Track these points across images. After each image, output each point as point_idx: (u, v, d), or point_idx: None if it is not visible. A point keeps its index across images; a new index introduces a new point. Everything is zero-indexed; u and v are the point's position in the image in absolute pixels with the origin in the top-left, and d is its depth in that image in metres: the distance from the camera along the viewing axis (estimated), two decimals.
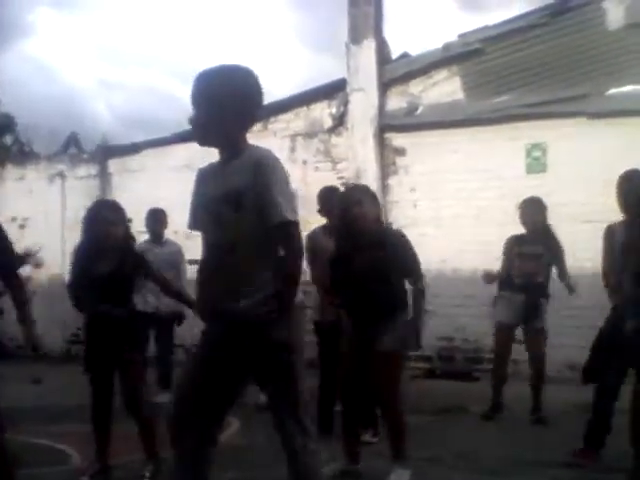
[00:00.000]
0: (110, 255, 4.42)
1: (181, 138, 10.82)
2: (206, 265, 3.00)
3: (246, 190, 2.82)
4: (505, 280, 6.23)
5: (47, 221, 11.54)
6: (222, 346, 2.87)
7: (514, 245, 6.25)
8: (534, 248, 6.13)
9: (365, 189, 4.77)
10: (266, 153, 2.95)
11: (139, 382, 4.47)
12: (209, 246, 2.99)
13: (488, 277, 6.20)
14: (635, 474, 4.14)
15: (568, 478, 4.31)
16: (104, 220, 4.42)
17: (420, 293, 4.41)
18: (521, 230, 6.29)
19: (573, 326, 6.62)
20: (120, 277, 4.42)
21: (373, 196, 4.61)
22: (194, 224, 3.08)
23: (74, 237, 11.52)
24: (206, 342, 2.98)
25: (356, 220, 4.36)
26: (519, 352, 6.52)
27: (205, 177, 3.07)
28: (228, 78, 2.95)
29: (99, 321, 4.44)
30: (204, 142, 3.02)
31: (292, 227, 2.83)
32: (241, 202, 2.83)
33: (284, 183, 2.84)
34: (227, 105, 2.89)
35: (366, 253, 4.30)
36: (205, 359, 2.95)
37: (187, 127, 10.88)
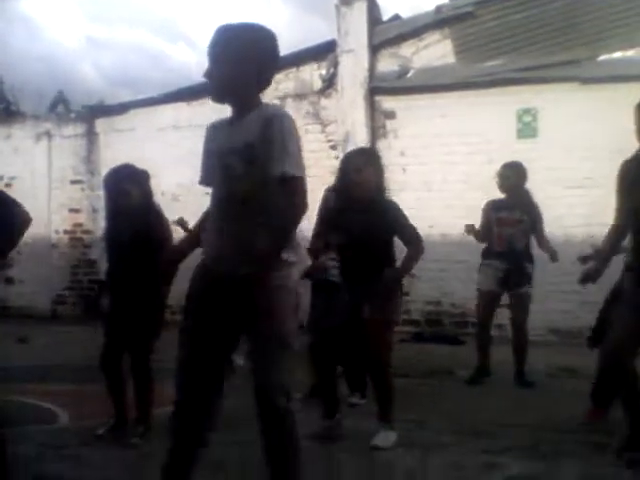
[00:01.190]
0: (130, 221, 4.42)
1: (169, 98, 10.74)
2: (215, 218, 2.98)
3: (256, 144, 2.80)
4: (486, 248, 6.24)
5: (33, 180, 11.46)
6: (224, 298, 2.87)
7: (491, 211, 6.24)
8: (512, 214, 6.12)
9: (370, 154, 4.79)
10: (278, 109, 3.00)
11: (151, 343, 4.49)
12: (219, 200, 2.97)
13: (469, 227, 6.18)
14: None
15: (552, 440, 4.36)
16: (117, 190, 4.45)
17: (416, 253, 4.41)
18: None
19: (557, 291, 6.66)
20: (142, 242, 4.37)
21: (377, 162, 4.59)
22: (204, 179, 3.07)
23: (60, 196, 11.63)
24: (207, 291, 2.96)
25: (353, 187, 4.36)
26: (504, 317, 6.56)
27: (215, 132, 3.04)
28: (252, 36, 2.91)
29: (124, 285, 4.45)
30: (218, 97, 2.96)
31: (296, 182, 2.79)
32: (251, 156, 2.81)
33: (291, 138, 2.81)
34: (248, 63, 2.86)
35: (361, 217, 4.30)
36: (207, 307, 2.94)
37: (174, 87, 10.58)
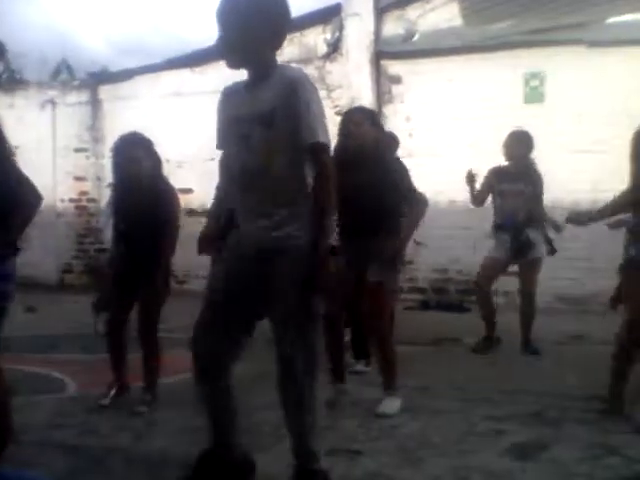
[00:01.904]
0: (141, 192, 4.41)
1: (172, 65, 10.64)
2: (236, 187, 2.96)
3: (278, 110, 2.77)
4: (494, 222, 6.21)
5: (38, 149, 11.38)
6: (252, 265, 2.89)
7: (494, 180, 6.17)
8: (514, 186, 6.05)
9: (368, 111, 4.79)
10: (299, 72, 2.94)
11: (159, 310, 4.50)
12: (238, 169, 2.92)
13: (470, 174, 6.12)
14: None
15: (559, 407, 4.36)
16: (127, 158, 4.42)
17: (415, 218, 4.41)
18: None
19: (564, 258, 6.60)
20: (150, 209, 4.37)
21: (375, 119, 4.59)
22: (221, 144, 3.06)
23: (65, 164, 11.58)
24: (235, 259, 2.98)
25: (352, 139, 4.32)
26: (512, 284, 6.54)
27: (231, 97, 3.00)
28: None
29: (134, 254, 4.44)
30: (233, 63, 2.93)
31: (323, 150, 2.80)
32: (273, 123, 2.78)
33: (317, 104, 2.80)
34: (259, 24, 2.82)
35: (359, 172, 4.25)
36: (234, 274, 2.96)
37: (176, 54, 10.46)
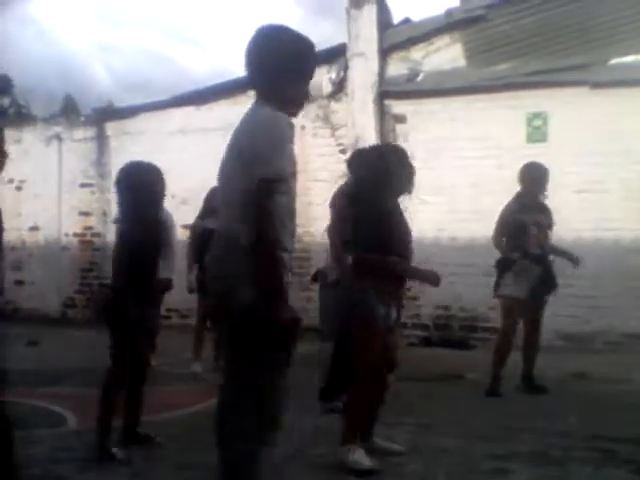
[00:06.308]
0: (142, 217, 4.37)
1: (179, 102, 10.76)
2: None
3: (243, 150, 2.74)
4: (517, 249, 5.93)
5: (44, 183, 11.50)
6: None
7: (517, 213, 5.99)
8: (541, 217, 6.03)
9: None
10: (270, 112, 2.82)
11: (151, 349, 4.49)
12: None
13: None
14: None
15: (561, 446, 4.33)
16: (131, 182, 4.40)
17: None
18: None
19: (566, 295, 6.60)
20: (152, 241, 4.39)
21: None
22: None
23: (71, 199, 11.64)
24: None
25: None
26: None
27: None
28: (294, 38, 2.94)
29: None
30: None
31: (266, 185, 2.62)
32: (241, 156, 2.75)
33: (276, 140, 2.70)
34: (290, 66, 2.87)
35: (395, 219, 4.22)
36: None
37: (183, 90, 10.46)
